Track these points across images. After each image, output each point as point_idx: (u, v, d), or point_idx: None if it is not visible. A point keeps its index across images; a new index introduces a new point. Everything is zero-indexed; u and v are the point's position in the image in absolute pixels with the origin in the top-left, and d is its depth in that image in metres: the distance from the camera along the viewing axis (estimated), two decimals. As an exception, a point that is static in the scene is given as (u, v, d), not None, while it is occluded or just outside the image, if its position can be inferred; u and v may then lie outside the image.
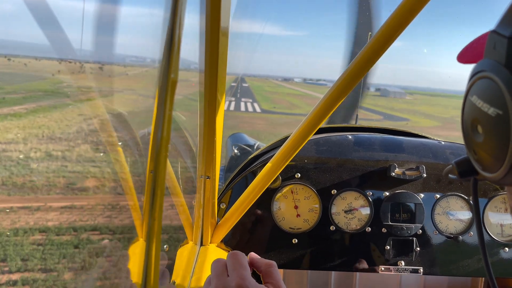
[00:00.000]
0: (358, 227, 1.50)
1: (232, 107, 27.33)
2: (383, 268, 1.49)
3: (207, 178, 1.18)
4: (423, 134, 1.84)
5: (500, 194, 1.52)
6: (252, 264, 0.82)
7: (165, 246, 1.31)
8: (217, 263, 0.77)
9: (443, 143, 1.62)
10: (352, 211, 1.50)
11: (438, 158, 1.53)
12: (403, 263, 1.49)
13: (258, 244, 1.48)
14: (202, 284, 0.87)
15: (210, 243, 1.35)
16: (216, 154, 1.16)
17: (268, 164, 1.23)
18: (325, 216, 1.48)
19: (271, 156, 1.24)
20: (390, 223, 1.49)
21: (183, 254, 1.31)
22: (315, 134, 1.22)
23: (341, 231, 1.49)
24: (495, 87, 0.49)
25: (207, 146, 1.10)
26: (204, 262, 1.25)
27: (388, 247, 1.49)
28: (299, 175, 1.48)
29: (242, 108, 27.77)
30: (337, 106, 1.07)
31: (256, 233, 1.49)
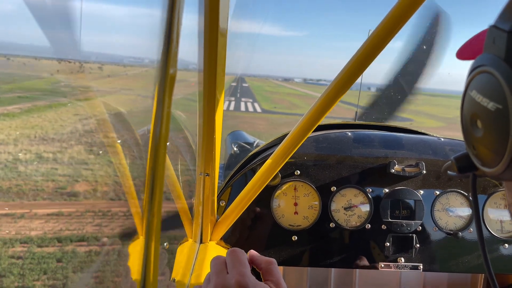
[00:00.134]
0: (358, 224, 1.50)
1: (232, 107, 26.88)
2: (383, 265, 1.49)
3: (206, 176, 1.18)
4: (422, 131, 1.84)
5: (500, 191, 1.52)
6: (252, 261, 0.81)
7: (165, 244, 1.31)
8: (216, 260, 0.77)
9: (442, 139, 1.62)
10: (352, 208, 1.50)
11: (437, 155, 1.53)
12: (403, 259, 1.49)
13: (257, 242, 1.48)
14: (202, 281, 0.87)
15: (209, 240, 1.35)
16: (216, 151, 1.16)
17: (268, 161, 1.23)
18: (325, 213, 1.48)
19: (271, 154, 1.24)
20: (390, 219, 1.49)
21: (183, 251, 1.31)
22: (314, 131, 1.22)
23: (340, 228, 1.49)
24: (495, 82, 0.49)
25: (206, 143, 1.10)
26: (203, 259, 1.25)
27: (388, 244, 1.50)
28: (299, 172, 1.48)
29: (242, 108, 27.36)
30: (336, 103, 1.08)
31: (255, 230, 1.49)
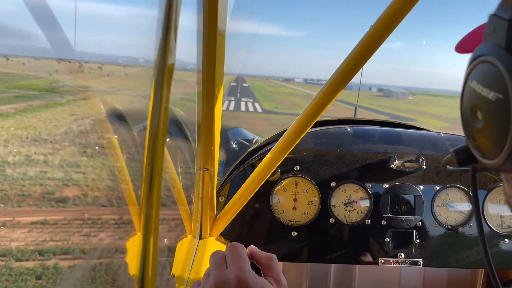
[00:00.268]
0: (358, 220, 1.49)
1: (231, 107, 26.48)
2: (383, 261, 1.49)
3: (205, 171, 1.17)
4: (422, 126, 1.83)
5: (500, 186, 1.51)
6: (252, 257, 0.81)
7: (165, 240, 1.31)
8: (216, 255, 0.77)
9: (442, 135, 1.61)
10: (352, 203, 1.49)
11: (437, 150, 1.52)
12: (402, 255, 1.49)
13: (257, 237, 1.48)
14: (201, 277, 0.87)
15: (209, 236, 1.34)
16: (215, 147, 1.15)
17: (267, 157, 1.23)
18: (325, 209, 1.48)
19: (270, 149, 1.24)
20: (390, 215, 1.49)
21: (182, 247, 1.30)
22: (313, 126, 1.22)
23: (340, 224, 1.49)
24: (495, 71, 0.48)
25: (205, 138, 1.10)
26: (203, 255, 1.24)
27: (388, 239, 1.49)
28: (298, 167, 1.47)
29: (243, 108, 27.02)
30: (334, 99, 1.07)
31: (255, 226, 1.48)
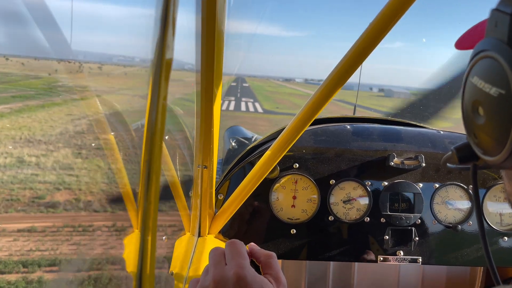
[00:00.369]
0: (357, 217, 1.49)
1: (231, 107, 26.03)
2: (382, 258, 1.49)
3: (204, 168, 1.17)
4: (421, 124, 1.83)
5: (499, 184, 1.51)
6: (251, 254, 0.81)
7: (163, 238, 1.31)
8: (215, 251, 0.76)
9: (442, 132, 1.61)
10: (351, 201, 1.49)
11: (437, 148, 1.52)
12: (402, 253, 1.49)
13: (256, 235, 1.48)
14: (200, 274, 0.87)
15: (208, 234, 1.34)
16: (214, 144, 1.15)
17: (266, 154, 1.22)
18: (324, 207, 1.48)
19: (269, 147, 1.23)
20: (389, 213, 1.49)
21: (181, 245, 1.30)
22: (313, 124, 1.21)
23: (339, 221, 1.49)
24: (497, 66, 0.47)
25: (204, 135, 1.09)
26: (202, 253, 1.24)
27: (387, 237, 1.49)
28: (297, 165, 1.47)
29: (243, 108, 26.60)
30: (333, 97, 1.07)
31: (254, 223, 1.48)
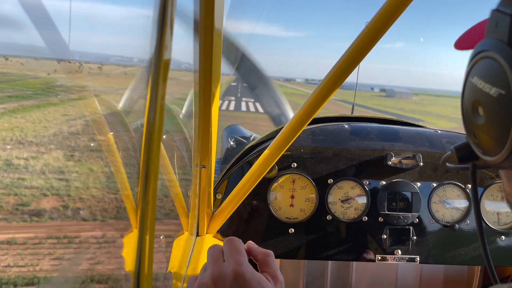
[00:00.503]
0: (355, 217, 1.50)
1: (232, 107, 25.52)
2: (379, 257, 1.49)
3: (202, 168, 1.17)
4: (419, 123, 1.84)
5: (496, 183, 1.52)
6: (249, 252, 0.81)
7: (161, 237, 1.31)
8: (213, 249, 0.77)
9: (439, 132, 1.61)
10: (349, 200, 1.50)
11: (434, 147, 1.52)
12: (399, 252, 1.49)
13: (254, 234, 1.48)
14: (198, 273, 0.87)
15: (206, 233, 1.34)
16: (212, 144, 1.15)
17: (264, 154, 1.23)
18: (322, 206, 1.48)
19: (267, 146, 1.24)
20: (387, 212, 1.49)
21: (179, 244, 1.30)
22: (311, 124, 1.21)
23: (337, 221, 1.49)
24: (497, 66, 0.48)
25: (202, 135, 1.09)
26: (200, 252, 1.24)
27: (385, 236, 1.49)
28: (295, 164, 1.47)
29: (243, 108, 26.19)
30: (331, 96, 1.08)
31: (252, 223, 1.48)
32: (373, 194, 1.49)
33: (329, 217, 1.49)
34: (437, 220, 1.51)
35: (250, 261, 0.77)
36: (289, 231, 1.48)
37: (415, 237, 1.50)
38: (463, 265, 1.80)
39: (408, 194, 1.50)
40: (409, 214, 1.49)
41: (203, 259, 1.19)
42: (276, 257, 1.48)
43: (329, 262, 1.82)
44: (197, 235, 1.32)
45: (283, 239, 1.48)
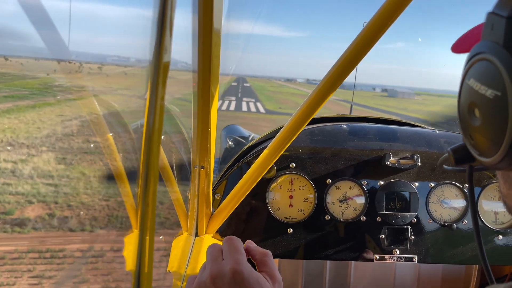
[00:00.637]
0: (353, 216, 1.50)
1: (232, 107, 25.11)
2: (378, 257, 1.50)
3: (201, 168, 1.17)
4: (417, 123, 1.84)
5: (494, 183, 1.53)
6: (248, 252, 0.82)
7: (161, 237, 1.31)
8: (212, 247, 0.77)
9: (437, 132, 1.62)
10: (347, 200, 1.50)
11: (432, 147, 1.53)
12: (398, 251, 1.50)
13: (253, 234, 1.48)
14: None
15: (205, 233, 1.35)
16: (211, 144, 1.16)
17: (263, 154, 1.23)
18: (320, 206, 1.49)
19: (266, 147, 1.24)
20: (385, 212, 1.50)
21: (178, 244, 1.31)
22: (309, 124, 1.22)
23: (336, 221, 1.49)
24: (493, 68, 0.48)
25: (201, 136, 1.10)
26: (199, 252, 1.25)
27: (383, 236, 1.50)
28: (294, 165, 1.48)
29: (244, 108, 25.77)
30: (330, 96, 1.08)
31: (251, 223, 1.49)
32: (371, 194, 1.50)
33: (327, 217, 1.49)
34: (435, 220, 1.52)
35: (249, 260, 0.78)
36: (288, 231, 1.49)
37: (413, 237, 1.51)
38: (461, 265, 1.81)
39: (406, 194, 1.50)
40: (407, 214, 1.50)
41: (202, 259, 1.19)
42: (275, 257, 1.48)
43: (328, 262, 1.82)
44: (196, 235, 1.33)
45: (282, 239, 1.49)
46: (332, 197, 1.50)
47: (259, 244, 1.49)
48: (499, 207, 1.53)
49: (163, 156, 1.27)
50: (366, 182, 1.50)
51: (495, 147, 0.49)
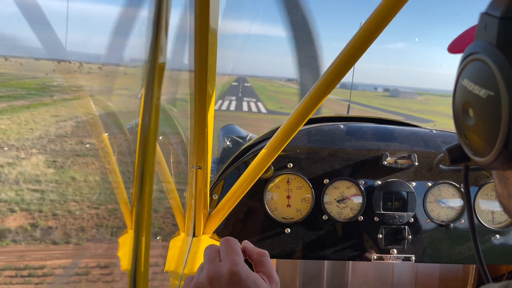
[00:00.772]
0: (351, 216, 1.50)
1: (232, 107, 24.75)
2: (375, 257, 1.50)
3: (198, 169, 1.17)
4: (414, 123, 1.85)
5: (491, 182, 1.53)
6: (245, 252, 0.81)
7: (158, 238, 1.31)
8: (210, 248, 0.77)
9: (434, 131, 1.62)
10: (345, 200, 1.50)
11: (429, 147, 1.53)
12: (395, 251, 1.50)
13: (251, 234, 1.48)
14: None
15: (202, 234, 1.34)
16: (208, 145, 1.15)
17: (260, 154, 1.23)
18: (318, 206, 1.49)
19: (263, 147, 1.24)
20: (382, 211, 1.50)
21: (176, 245, 1.31)
22: (306, 124, 1.22)
23: (333, 221, 1.49)
24: (486, 69, 0.48)
25: (198, 136, 1.09)
26: (196, 253, 1.24)
27: (381, 236, 1.50)
28: (291, 165, 1.48)
29: (245, 108, 25.45)
30: (327, 96, 1.08)
31: (248, 223, 1.49)
32: (368, 194, 1.50)
33: (325, 217, 1.49)
34: (432, 219, 1.52)
35: (246, 261, 0.78)
36: (285, 231, 1.48)
37: (410, 236, 1.51)
38: (458, 264, 1.81)
39: (404, 194, 1.50)
40: (405, 214, 1.50)
41: (200, 260, 1.19)
42: (273, 257, 1.48)
43: (325, 261, 1.82)
44: (194, 235, 1.33)
45: (280, 239, 1.48)
46: (330, 197, 1.50)
47: (256, 244, 1.48)
48: (496, 206, 1.54)
49: (160, 156, 1.26)
50: (363, 182, 1.50)
51: (489, 146, 0.50)
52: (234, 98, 29.89)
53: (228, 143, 2.72)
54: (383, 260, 1.50)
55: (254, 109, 25.63)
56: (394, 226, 1.50)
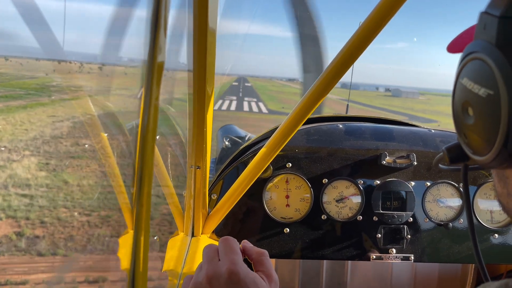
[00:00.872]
0: (350, 216, 1.50)
1: (233, 107, 24.47)
2: (374, 256, 1.50)
3: (197, 168, 1.17)
4: (413, 123, 1.85)
5: (490, 181, 1.53)
6: (244, 252, 0.81)
7: (155, 237, 1.31)
8: (209, 248, 0.77)
9: (433, 131, 1.62)
10: (343, 200, 1.50)
11: (428, 146, 1.53)
12: (394, 251, 1.50)
13: (250, 234, 1.48)
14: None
15: (201, 234, 1.34)
16: (207, 144, 1.15)
17: (259, 154, 1.23)
18: (317, 205, 1.49)
19: (262, 146, 1.24)
20: (381, 211, 1.50)
21: (174, 245, 1.30)
22: (305, 123, 1.22)
23: (332, 220, 1.49)
24: (486, 68, 0.49)
25: (197, 136, 1.09)
26: (195, 253, 1.24)
27: (379, 235, 1.50)
28: (290, 164, 1.48)
29: (246, 108, 25.20)
30: (325, 95, 1.08)
31: (247, 223, 1.49)
32: (367, 194, 1.50)
33: (324, 217, 1.49)
34: (431, 219, 1.52)
35: (245, 260, 0.78)
36: (284, 231, 1.48)
37: (409, 236, 1.51)
38: (457, 264, 1.82)
39: (403, 193, 1.50)
40: (404, 213, 1.50)
41: (199, 260, 1.19)
42: (272, 256, 1.48)
43: (324, 261, 1.82)
44: (192, 235, 1.32)
45: (279, 239, 1.48)
46: (329, 197, 1.50)
47: (255, 244, 1.48)
48: (495, 206, 1.54)
49: (158, 156, 1.26)
50: (362, 182, 1.50)
51: (488, 145, 0.50)
52: (234, 98, 29.63)
53: (227, 143, 2.72)
54: (382, 259, 1.50)
55: (255, 109, 25.43)
56: (393, 225, 1.51)
